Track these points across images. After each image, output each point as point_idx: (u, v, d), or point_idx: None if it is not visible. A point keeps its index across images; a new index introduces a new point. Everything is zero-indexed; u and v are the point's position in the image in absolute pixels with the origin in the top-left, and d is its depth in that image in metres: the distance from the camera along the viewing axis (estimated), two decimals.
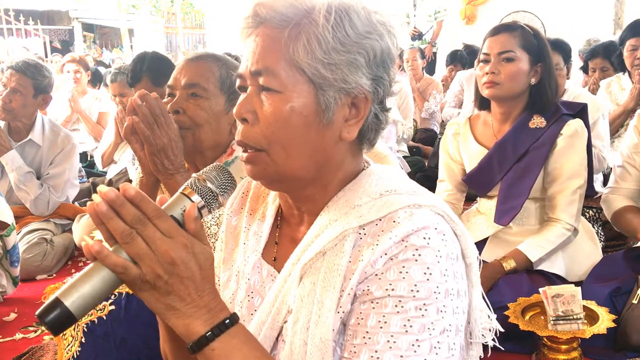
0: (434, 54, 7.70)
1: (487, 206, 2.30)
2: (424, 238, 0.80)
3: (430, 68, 7.50)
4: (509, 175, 2.16)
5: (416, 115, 5.20)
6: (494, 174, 2.19)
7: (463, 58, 6.02)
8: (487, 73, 2.13)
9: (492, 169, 2.19)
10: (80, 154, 3.78)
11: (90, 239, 0.72)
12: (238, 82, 0.88)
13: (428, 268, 0.79)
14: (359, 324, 0.81)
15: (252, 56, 0.83)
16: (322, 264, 0.85)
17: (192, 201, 0.77)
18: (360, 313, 0.81)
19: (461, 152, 2.32)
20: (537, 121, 2.13)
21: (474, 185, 2.30)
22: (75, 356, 1.49)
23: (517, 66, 2.10)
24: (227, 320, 0.77)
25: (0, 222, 2.38)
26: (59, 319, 0.70)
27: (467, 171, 2.29)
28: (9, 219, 2.42)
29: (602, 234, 2.62)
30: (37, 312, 0.71)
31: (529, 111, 2.16)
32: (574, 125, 2.11)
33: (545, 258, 2.11)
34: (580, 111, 2.18)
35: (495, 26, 2.23)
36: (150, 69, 2.90)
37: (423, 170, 4.26)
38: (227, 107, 1.59)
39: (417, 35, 7.60)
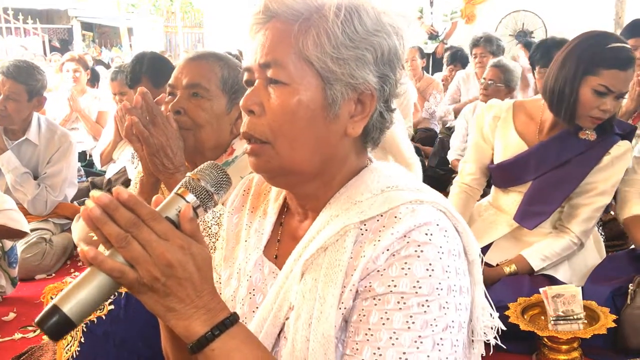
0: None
1: (504, 201, 2.24)
2: (426, 234, 0.80)
3: (440, 67, 7.51)
4: (544, 178, 2.10)
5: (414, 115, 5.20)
6: (527, 172, 2.13)
7: (463, 58, 6.04)
8: (602, 110, 1.96)
9: (528, 166, 2.12)
10: (79, 153, 3.77)
11: (85, 245, 0.72)
12: (246, 75, 0.88)
13: (430, 264, 0.79)
14: (361, 320, 0.80)
15: (262, 49, 0.84)
16: (323, 259, 0.85)
17: (187, 201, 0.77)
18: (362, 309, 0.81)
19: (496, 136, 2.23)
20: (589, 133, 2.06)
21: (500, 176, 2.23)
22: (74, 356, 1.49)
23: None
24: (227, 320, 0.76)
25: (19, 232, 2.38)
26: (58, 326, 0.70)
27: (496, 159, 2.22)
28: (27, 227, 2.44)
29: (603, 233, 2.61)
30: (36, 320, 0.71)
31: None
32: (624, 147, 2.06)
33: (548, 267, 2.09)
34: (629, 132, 2.13)
35: (621, 53, 1.93)
36: (150, 70, 2.90)
37: (423, 170, 4.24)
38: (228, 108, 1.59)
39: (435, 35, 7.58)
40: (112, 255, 0.71)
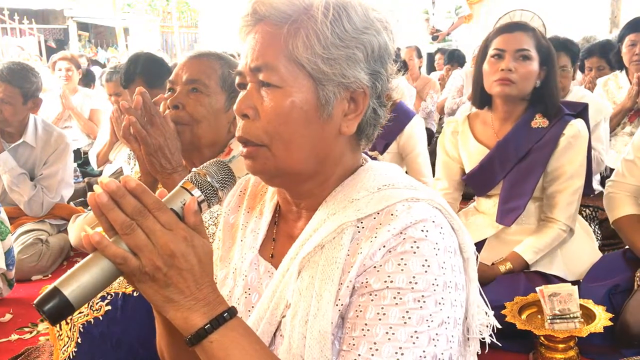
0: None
1: (486, 205, 2.28)
2: (422, 231, 0.81)
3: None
4: (511, 175, 2.14)
5: None
6: (495, 174, 2.17)
7: (460, 58, 6.08)
8: (501, 70, 2.07)
9: (494, 168, 2.17)
10: (73, 151, 3.76)
11: (90, 229, 0.72)
12: (238, 79, 0.88)
13: (426, 260, 0.80)
14: (357, 316, 0.81)
15: (252, 53, 0.84)
16: (320, 257, 0.85)
17: (192, 195, 0.77)
18: (359, 305, 0.81)
19: (460, 150, 2.30)
20: (540, 121, 2.12)
21: (474, 185, 2.28)
22: (71, 357, 1.48)
23: (532, 65, 2.07)
24: (226, 314, 0.77)
25: None
26: (58, 308, 0.70)
27: (466, 170, 2.27)
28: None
29: (599, 232, 2.62)
30: (35, 301, 0.70)
31: (531, 110, 2.14)
32: (577, 125, 2.10)
33: (542, 259, 2.11)
34: (581, 111, 2.18)
35: (508, 23, 2.17)
36: (145, 71, 2.88)
37: None
38: (226, 105, 1.59)
39: (437, 36, 7.59)
40: (116, 242, 0.72)
